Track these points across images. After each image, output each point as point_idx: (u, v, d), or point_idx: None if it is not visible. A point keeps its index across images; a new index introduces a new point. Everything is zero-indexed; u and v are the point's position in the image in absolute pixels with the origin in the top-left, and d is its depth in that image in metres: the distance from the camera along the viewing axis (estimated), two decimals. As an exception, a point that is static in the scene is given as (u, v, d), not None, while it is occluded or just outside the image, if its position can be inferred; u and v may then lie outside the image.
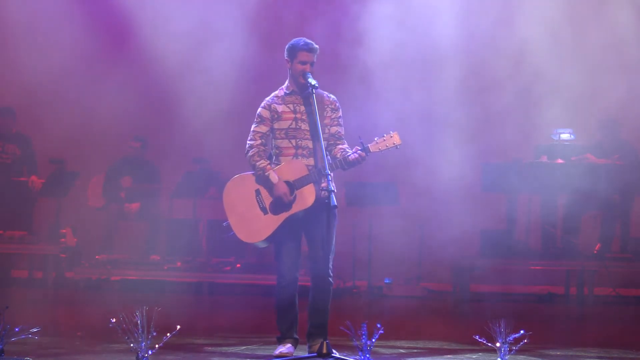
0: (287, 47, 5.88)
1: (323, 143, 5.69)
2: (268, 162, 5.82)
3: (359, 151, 5.69)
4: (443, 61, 10.21)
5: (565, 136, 9.65)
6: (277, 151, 5.86)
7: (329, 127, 5.87)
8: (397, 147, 5.75)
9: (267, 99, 5.93)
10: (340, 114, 5.93)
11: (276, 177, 5.74)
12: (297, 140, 5.81)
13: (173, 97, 10.69)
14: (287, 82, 5.93)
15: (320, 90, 5.87)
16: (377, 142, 5.73)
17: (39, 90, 10.83)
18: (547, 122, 9.85)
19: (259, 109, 5.92)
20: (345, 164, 5.71)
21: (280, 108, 5.86)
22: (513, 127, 10.25)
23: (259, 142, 5.87)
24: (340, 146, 5.86)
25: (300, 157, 5.78)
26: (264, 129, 5.89)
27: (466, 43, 10.21)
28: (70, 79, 10.98)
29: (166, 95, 10.78)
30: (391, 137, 5.73)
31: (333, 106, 5.91)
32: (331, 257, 5.75)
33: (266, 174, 5.76)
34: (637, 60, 9.92)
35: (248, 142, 5.89)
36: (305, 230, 5.82)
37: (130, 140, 10.74)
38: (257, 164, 5.81)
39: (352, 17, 10.51)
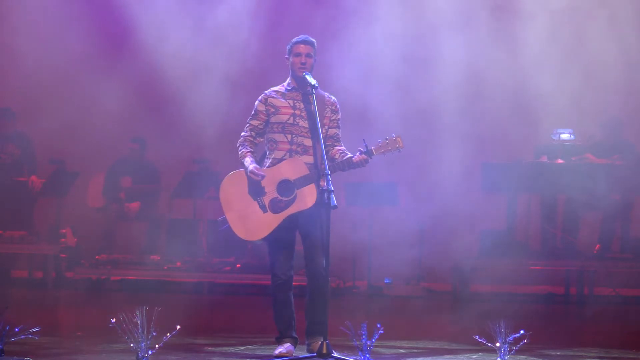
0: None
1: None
2: (249, 150, 5.84)
3: (362, 153, 5.70)
4: (443, 61, 10.21)
5: (565, 136, 9.65)
6: (272, 145, 5.86)
7: (327, 128, 5.89)
8: (399, 151, 5.77)
9: (266, 92, 5.95)
10: (339, 116, 5.96)
11: (249, 161, 5.75)
12: (293, 135, 5.82)
13: (173, 97, 10.69)
14: (288, 79, 5.95)
15: (321, 91, 5.89)
16: (380, 145, 5.75)
17: (39, 90, 10.84)
18: (547, 122, 9.85)
19: (256, 102, 5.94)
20: (347, 165, 5.73)
21: (278, 103, 5.88)
22: (513, 127, 10.26)
23: (248, 133, 5.92)
24: (338, 147, 5.88)
25: (294, 154, 5.78)
26: (256, 122, 5.92)
27: (466, 43, 10.21)
28: (71, 79, 10.97)
29: (166, 96, 10.78)
30: (394, 140, 5.75)
31: (333, 107, 5.93)
32: (328, 257, 5.74)
33: (242, 160, 5.79)
34: (638, 59, 9.92)
35: (241, 134, 5.93)
36: (300, 229, 5.82)
37: (129, 141, 10.74)
38: (239, 152, 5.85)
39: (353, 16, 10.53)
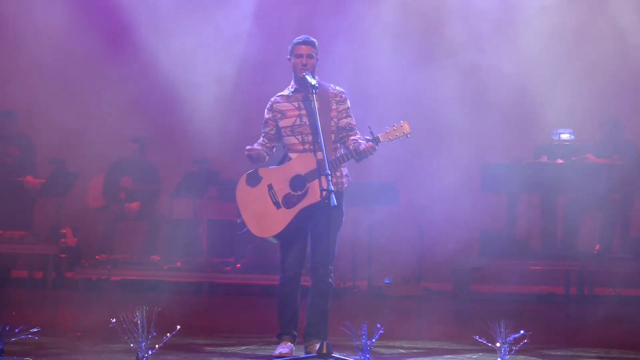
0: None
1: (331, 137, 5.76)
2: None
3: (369, 141, 5.69)
4: (443, 60, 10.21)
5: (565, 136, 9.66)
6: (288, 148, 5.90)
7: (336, 120, 5.87)
8: (407, 137, 5.74)
9: (272, 98, 5.98)
10: (347, 105, 5.92)
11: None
12: (303, 135, 5.83)
13: (173, 98, 10.69)
14: (292, 81, 5.95)
15: (324, 84, 5.89)
16: (387, 132, 5.73)
17: (39, 91, 10.83)
18: (547, 122, 9.85)
19: (265, 110, 5.96)
20: (356, 154, 5.71)
21: (284, 107, 5.90)
22: (513, 127, 10.26)
23: (261, 140, 5.96)
24: (353, 137, 5.85)
25: (308, 152, 5.80)
26: (267, 129, 5.97)
27: (466, 42, 10.21)
28: (71, 79, 10.98)
29: (166, 96, 10.78)
30: (401, 126, 5.73)
31: (339, 98, 5.91)
32: (332, 259, 5.75)
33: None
34: (638, 59, 9.93)
35: None
36: (311, 230, 5.83)
37: (129, 141, 10.73)
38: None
39: (354, 16, 10.54)
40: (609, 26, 10.03)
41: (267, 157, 5.93)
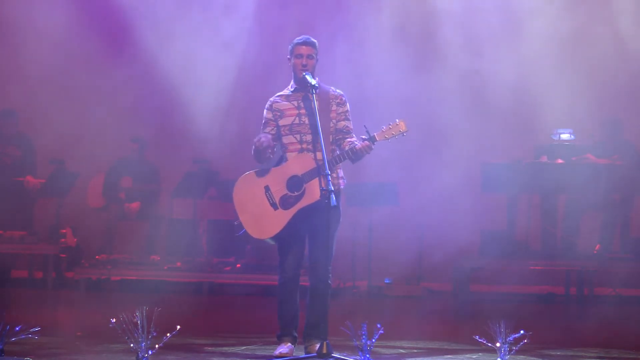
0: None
1: (329, 138, 5.75)
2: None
3: (365, 140, 5.69)
4: (443, 60, 10.21)
5: (565, 136, 9.65)
6: (285, 148, 5.89)
7: (335, 121, 5.87)
8: (403, 135, 5.74)
9: (271, 98, 5.97)
10: (347, 108, 5.93)
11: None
12: (302, 135, 5.83)
13: (173, 98, 10.69)
14: (292, 81, 5.95)
15: (325, 86, 5.89)
16: (383, 131, 5.73)
17: (39, 91, 10.84)
18: (547, 122, 9.85)
19: (264, 110, 5.95)
20: (353, 154, 5.71)
21: (283, 106, 5.90)
22: (513, 127, 10.26)
23: None
24: (349, 139, 5.85)
25: (305, 152, 5.79)
26: (267, 129, 5.95)
27: (466, 42, 10.21)
28: (70, 79, 10.98)
29: (166, 96, 10.78)
30: (397, 124, 5.73)
31: (339, 100, 5.91)
32: (330, 259, 5.74)
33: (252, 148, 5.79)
34: (638, 59, 9.93)
35: None
36: (309, 231, 5.82)
37: (129, 141, 10.74)
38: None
39: (354, 16, 10.54)
40: (609, 27, 10.03)
41: (272, 153, 5.91)
